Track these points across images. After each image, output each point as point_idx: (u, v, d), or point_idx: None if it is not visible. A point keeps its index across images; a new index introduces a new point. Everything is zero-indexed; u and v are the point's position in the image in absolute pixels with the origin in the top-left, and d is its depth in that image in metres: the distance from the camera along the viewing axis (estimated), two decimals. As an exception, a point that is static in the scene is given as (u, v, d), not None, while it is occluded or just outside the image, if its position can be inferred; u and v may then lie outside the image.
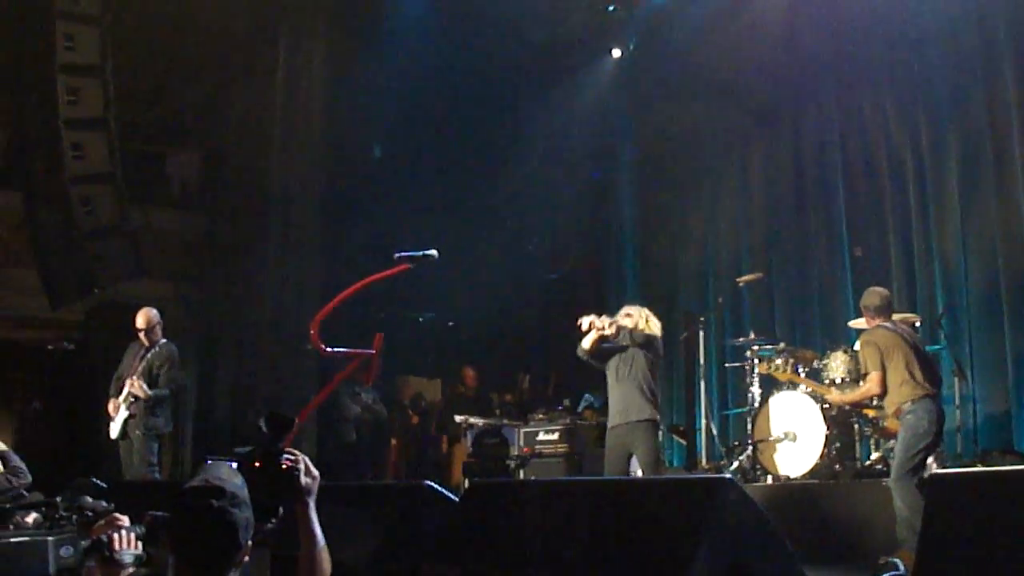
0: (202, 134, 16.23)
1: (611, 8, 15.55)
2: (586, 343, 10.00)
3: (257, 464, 3.81)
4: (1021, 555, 5.08)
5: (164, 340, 11.56)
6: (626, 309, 10.19)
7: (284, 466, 3.82)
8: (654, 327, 10.06)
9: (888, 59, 13.59)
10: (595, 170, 17.35)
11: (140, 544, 3.99)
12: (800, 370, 11.46)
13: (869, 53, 13.69)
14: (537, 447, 12.80)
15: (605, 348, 9.97)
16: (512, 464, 12.75)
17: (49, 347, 13.53)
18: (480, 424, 13.64)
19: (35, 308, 13.65)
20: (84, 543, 4.01)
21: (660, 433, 10.84)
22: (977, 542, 5.30)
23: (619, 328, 9.95)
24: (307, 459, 3.89)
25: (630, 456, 9.86)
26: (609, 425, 10.01)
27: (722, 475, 5.90)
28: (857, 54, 13.86)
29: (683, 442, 14.84)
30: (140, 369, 11.27)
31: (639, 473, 9.91)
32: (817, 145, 14.64)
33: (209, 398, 14.91)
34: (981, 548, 5.27)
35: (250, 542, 3.53)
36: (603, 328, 9.87)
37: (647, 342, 9.87)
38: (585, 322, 9.91)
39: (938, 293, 12.87)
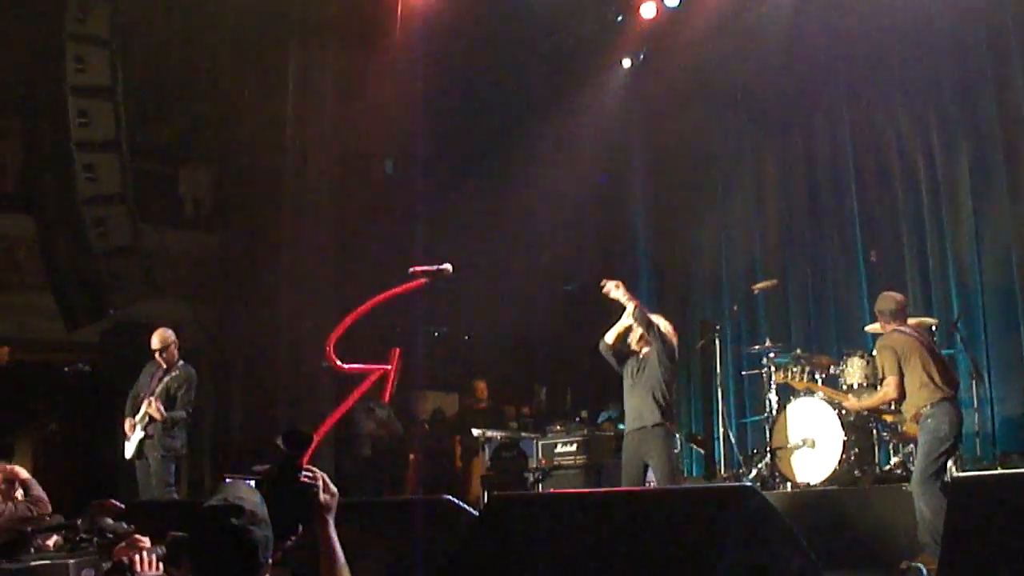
0: (214, 153, 16.25)
1: (619, 18, 15.56)
2: (610, 337, 10.06)
3: (275, 482, 3.80)
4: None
5: (182, 361, 11.58)
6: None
7: (303, 483, 3.81)
8: (673, 338, 10.08)
9: (898, 63, 13.58)
10: (606, 179, 17.29)
11: (162, 565, 3.98)
12: (817, 376, 11.45)
13: (878, 57, 13.68)
14: (555, 459, 12.78)
15: (628, 345, 10.01)
16: (531, 477, 12.74)
17: (65, 369, 13.52)
18: (498, 437, 13.63)
19: (50, 331, 13.63)
20: (106, 565, 4.01)
21: (678, 441, 10.83)
22: (1000, 545, 5.27)
23: (644, 319, 9.94)
24: (325, 476, 3.88)
25: (647, 465, 9.85)
26: (625, 431, 10.02)
27: (743, 483, 5.88)
28: (867, 59, 13.86)
29: (701, 451, 14.81)
30: (158, 390, 11.28)
31: (655, 480, 9.89)
32: (829, 151, 14.62)
33: (226, 417, 14.91)
34: (1004, 551, 5.24)
35: (270, 560, 3.51)
36: (619, 295, 9.92)
37: (666, 343, 9.88)
38: (610, 284, 9.95)
39: (953, 296, 12.85)
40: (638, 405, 9.87)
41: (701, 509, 5.82)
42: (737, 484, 5.86)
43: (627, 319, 10.02)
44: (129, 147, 12.74)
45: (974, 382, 11.55)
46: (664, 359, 9.87)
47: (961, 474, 6.65)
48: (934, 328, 10.98)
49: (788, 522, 5.70)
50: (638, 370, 9.96)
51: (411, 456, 15.59)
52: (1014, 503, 5.31)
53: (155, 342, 11.53)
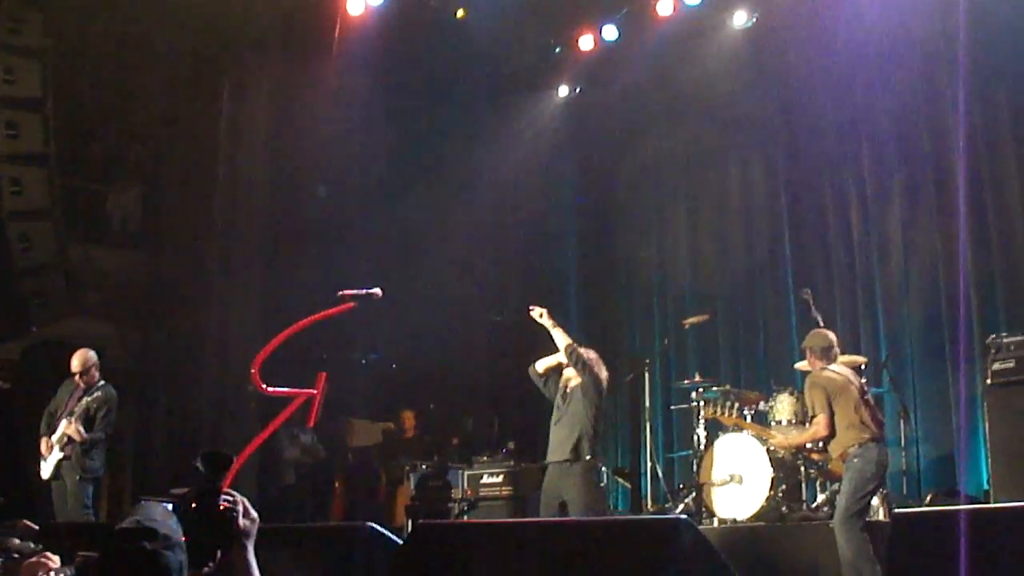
0: (144, 171, 16.04)
1: (557, 49, 15.59)
2: (540, 366, 10.07)
3: (193, 505, 3.67)
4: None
5: (103, 382, 11.37)
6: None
7: (221, 507, 3.68)
8: (602, 370, 10.09)
9: (831, 101, 13.67)
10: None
11: (71, 587, 3.84)
12: (746, 412, 11.46)
13: (812, 93, 13.75)
14: (481, 490, 12.69)
15: (557, 375, 10.02)
16: (456, 507, 12.64)
17: (-17, 386, 13.26)
18: (423, 467, 13.51)
19: (-31, 346, 13.40)
20: (10, 585, 3.86)
21: (604, 474, 10.79)
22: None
23: (576, 358, 9.94)
24: (246, 500, 3.76)
25: (564, 504, 9.81)
26: (548, 464, 10.01)
27: (679, 516, 5.82)
28: (800, 95, 13.94)
29: (628, 485, 14.76)
30: (77, 410, 11.05)
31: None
32: (763, 186, 14.72)
33: (148, 438, 14.67)
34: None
35: (185, 587, 3.38)
36: (545, 323, 10.09)
37: (595, 377, 9.88)
38: (538, 310, 10.10)
39: (881, 334, 12.95)
40: (562, 439, 9.88)
41: (637, 541, 5.75)
42: (673, 516, 5.79)
43: (560, 356, 10.03)
44: (57, 161, 12.55)
45: (902, 421, 11.61)
46: (592, 392, 9.88)
47: (902, 510, 6.61)
48: (863, 367, 11.03)
49: (722, 556, 5.66)
50: (564, 402, 9.95)
51: (335, 484, 15.44)
52: (953, 538, 5.29)
53: (75, 364, 11.31)
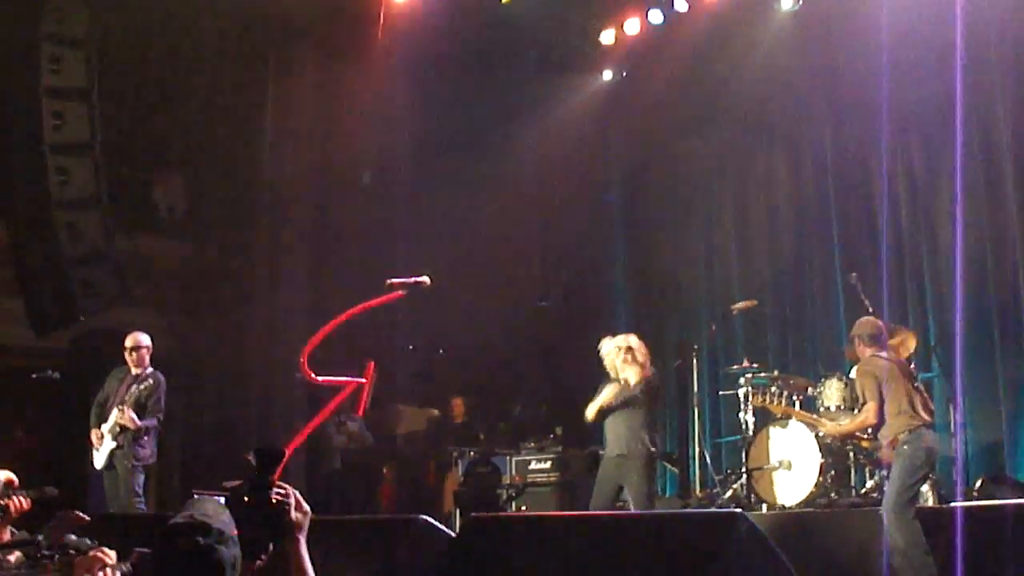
0: (190, 159, 16.09)
1: (603, 33, 15.51)
2: (591, 412, 10.05)
3: (246, 499, 3.68)
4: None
5: (152, 369, 11.40)
6: (621, 344, 10.17)
7: (274, 501, 3.69)
8: (647, 362, 10.10)
9: (883, 84, 13.50)
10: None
11: (126, 584, 3.85)
12: (794, 399, 11.41)
13: (863, 78, 13.59)
14: (529, 476, 12.70)
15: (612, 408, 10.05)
16: (504, 493, 12.65)
17: (33, 375, 13.31)
18: (471, 453, 13.53)
19: (19, 336, 13.46)
20: (67, 582, 3.87)
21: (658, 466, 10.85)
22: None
23: (625, 385, 9.99)
24: (298, 493, 3.76)
25: (620, 488, 9.83)
26: (604, 455, 9.98)
27: (732, 509, 5.79)
28: (851, 79, 13.80)
29: (676, 470, 14.75)
30: (128, 399, 11.10)
31: (630, 505, 9.85)
32: (812, 171, 14.60)
33: (196, 428, 14.73)
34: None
35: (238, 581, 3.39)
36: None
37: (653, 393, 9.96)
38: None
39: (930, 320, 12.86)
40: (623, 433, 9.88)
41: (691, 535, 5.73)
42: (727, 510, 5.75)
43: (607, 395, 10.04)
44: (103, 151, 12.59)
45: (951, 406, 11.53)
46: (654, 386, 9.98)
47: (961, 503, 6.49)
48: (912, 346, 10.99)
49: (776, 548, 5.62)
50: (623, 397, 9.96)
51: (384, 471, 15.47)
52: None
53: (128, 341, 11.36)
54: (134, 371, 11.29)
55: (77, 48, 12.34)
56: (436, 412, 15.86)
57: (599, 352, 10.34)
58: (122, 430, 11.01)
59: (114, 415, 11.04)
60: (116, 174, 13.62)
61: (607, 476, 9.92)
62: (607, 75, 16.33)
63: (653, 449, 9.91)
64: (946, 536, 5.53)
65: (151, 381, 11.24)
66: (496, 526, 7.26)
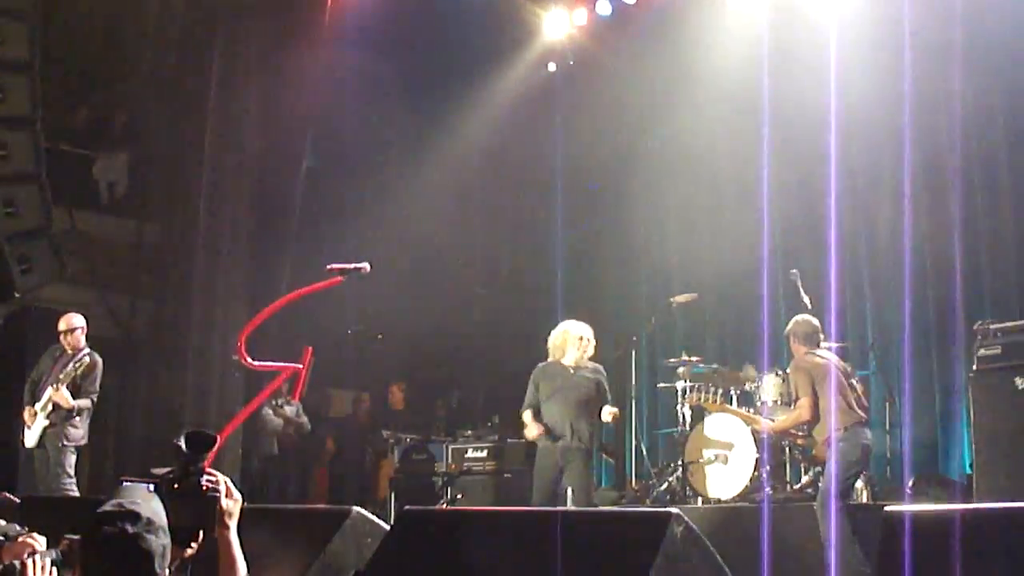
0: (132, 138, 15.93)
1: (549, 23, 15.51)
2: (529, 434, 10.11)
3: (175, 486, 3.63)
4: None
5: (87, 348, 11.29)
6: (585, 333, 10.22)
7: (204, 488, 3.65)
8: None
9: (818, 82, 13.56)
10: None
11: (55, 571, 3.80)
12: (732, 393, 11.46)
13: (806, 71, 13.60)
14: (465, 464, 12.69)
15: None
16: (439, 481, 12.63)
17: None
18: (408, 440, 13.49)
19: (-49, 312, 13.30)
20: (-6, 568, 3.81)
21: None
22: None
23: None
24: (229, 481, 3.72)
25: (559, 477, 9.86)
26: (546, 443, 9.99)
27: (669, 509, 5.77)
28: (795, 71, 13.80)
29: (612, 461, 14.78)
30: (63, 377, 10.99)
31: (569, 494, 9.85)
32: (753, 166, 14.58)
33: (130, 410, 14.61)
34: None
35: (167, 570, 3.34)
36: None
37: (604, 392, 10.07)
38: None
39: (868, 318, 12.95)
40: (563, 421, 9.90)
41: (627, 534, 5.73)
42: (664, 510, 5.76)
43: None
44: (44, 126, 12.42)
45: (887, 404, 11.65)
46: (604, 387, 10.05)
47: (895, 508, 6.53)
48: (847, 349, 11.10)
49: (713, 550, 5.63)
50: (566, 386, 9.99)
51: (320, 456, 15.43)
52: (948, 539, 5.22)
53: (62, 324, 11.26)
54: (69, 351, 11.19)
55: (19, 20, 12.15)
56: (367, 397, 15.81)
57: (548, 336, 10.37)
58: (55, 408, 10.90)
59: (47, 393, 10.92)
60: (56, 149, 13.47)
61: (551, 463, 9.93)
62: (551, 67, 16.31)
63: (592, 445, 9.98)
64: (882, 535, 5.53)
65: (87, 360, 11.13)
66: (430, 520, 7.23)
